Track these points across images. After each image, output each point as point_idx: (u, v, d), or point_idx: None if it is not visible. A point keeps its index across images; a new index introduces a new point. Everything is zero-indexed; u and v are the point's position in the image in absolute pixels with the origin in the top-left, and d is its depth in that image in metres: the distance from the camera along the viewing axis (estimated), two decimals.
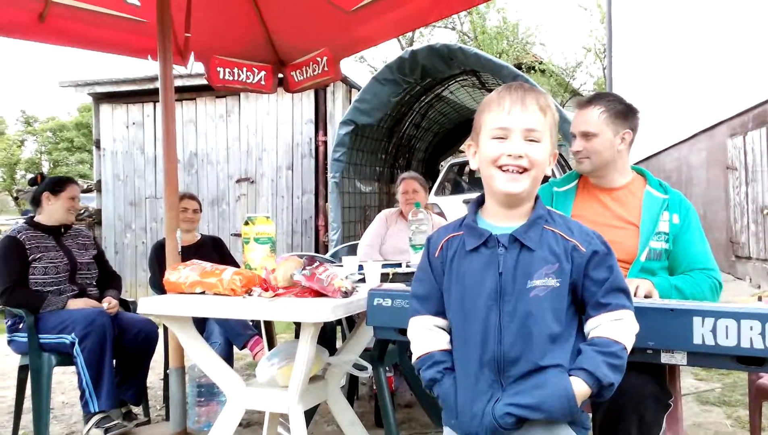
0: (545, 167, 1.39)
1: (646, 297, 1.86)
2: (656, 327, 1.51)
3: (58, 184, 3.28)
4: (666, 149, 10.19)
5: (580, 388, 1.29)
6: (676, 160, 9.62)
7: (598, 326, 1.34)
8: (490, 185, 1.40)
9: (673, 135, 9.60)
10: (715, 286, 2.03)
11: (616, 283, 1.36)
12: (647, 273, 2.04)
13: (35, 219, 3.26)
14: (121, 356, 3.22)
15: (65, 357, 3.01)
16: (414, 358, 1.47)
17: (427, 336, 1.45)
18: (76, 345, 2.94)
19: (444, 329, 1.46)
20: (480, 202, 1.48)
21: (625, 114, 2.16)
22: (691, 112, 8.72)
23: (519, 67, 15.81)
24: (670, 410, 1.69)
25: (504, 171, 1.36)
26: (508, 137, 1.37)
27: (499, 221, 1.41)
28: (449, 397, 1.39)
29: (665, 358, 1.52)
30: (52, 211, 3.25)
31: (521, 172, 1.36)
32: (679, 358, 1.51)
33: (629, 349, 1.33)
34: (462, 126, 9.63)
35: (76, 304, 3.12)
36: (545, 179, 1.58)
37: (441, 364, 1.41)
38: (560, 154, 10.07)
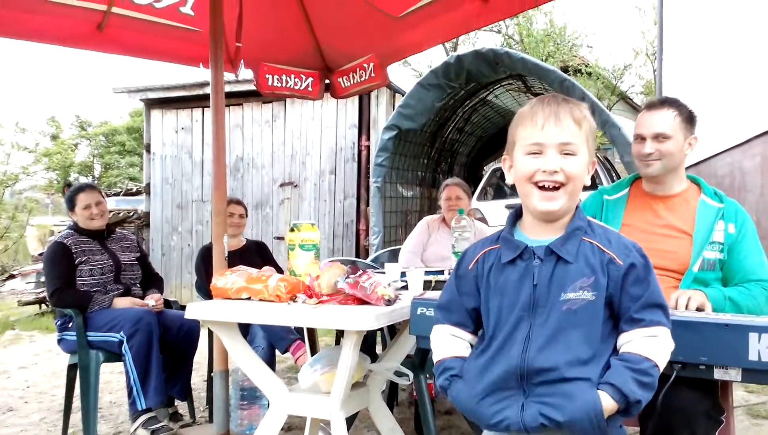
0: (583, 179, 1.37)
1: (698, 309, 1.80)
2: (709, 342, 1.46)
3: (69, 200, 3.36)
4: (718, 154, 9.87)
5: (607, 403, 1.26)
6: (729, 165, 9.31)
7: (630, 341, 1.31)
8: (527, 202, 1.40)
9: (726, 140, 9.29)
10: None
11: (652, 298, 1.32)
12: (700, 284, 1.98)
13: (80, 224, 3.36)
14: (167, 353, 3.28)
15: (113, 355, 3.09)
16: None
17: (443, 344, 1.49)
18: (125, 343, 3.02)
19: (462, 339, 1.48)
20: (518, 215, 1.47)
21: (691, 120, 2.14)
22: (744, 115, 8.43)
23: (566, 70, 15.57)
24: (722, 426, 1.64)
25: (540, 187, 1.35)
26: (542, 152, 1.35)
27: (536, 234, 1.40)
28: (460, 402, 1.40)
29: (718, 374, 1.47)
30: (80, 222, 3.35)
31: (557, 189, 1.34)
32: (733, 375, 1.46)
33: (661, 367, 1.29)
34: (506, 131, 9.45)
35: (122, 302, 3.21)
36: (594, 186, 1.54)
37: (449, 371, 1.44)
38: (607, 159, 9.87)
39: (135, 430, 3.00)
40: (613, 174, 8.80)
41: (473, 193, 7.95)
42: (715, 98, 9.75)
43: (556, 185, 1.34)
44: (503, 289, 1.38)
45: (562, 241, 1.35)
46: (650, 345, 1.30)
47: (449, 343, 1.48)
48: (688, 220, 2.07)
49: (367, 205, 7.14)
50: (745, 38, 8.59)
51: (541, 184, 1.35)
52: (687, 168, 2.22)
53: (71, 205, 3.35)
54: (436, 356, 1.50)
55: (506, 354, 1.33)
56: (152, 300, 3.30)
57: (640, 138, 2.14)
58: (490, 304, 1.41)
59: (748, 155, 8.47)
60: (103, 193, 3.52)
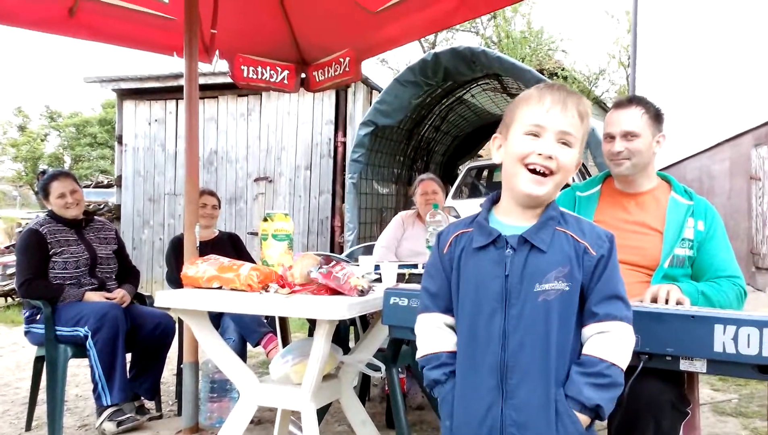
0: (571, 173, 1.36)
1: (678, 304, 1.82)
2: (676, 333, 1.48)
3: (43, 189, 3.28)
4: (687, 158, 10.07)
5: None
6: (698, 169, 9.51)
7: (587, 341, 1.32)
8: (512, 183, 1.36)
9: (695, 144, 9.48)
10: (741, 294, 2.00)
11: (607, 289, 1.32)
12: (669, 280, 2.01)
13: (56, 211, 3.28)
14: (138, 350, 3.24)
15: (81, 349, 3.02)
16: (419, 355, 1.46)
17: (435, 335, 1.44)
18: (89, 338, 2.96)
19: (452, 328, 1.44)
20: (494, 201, 1.45)
21: (659, 117, 2.15)
22: (714, 121, 8.62)
23: (541, 72, 15.73)
24: (688, 418, 1.66)
25: (530, 170, 1.33)
26: (541, 135, 1.33)
27: (511, 220, 1.39)
28: (448, 401, 1.38)
29: (684, 365, 1.49)
30: (55, 211, 3.26)
31: (547, 175, 1.33)
32: (698, 366, 1.48)
33: (620, 363, 1.29)
34: (482, 130, 9.59)
35: (92, 297, 3.14)
36: (567, 186, 1.54)
37: (447, 366, 1.40)
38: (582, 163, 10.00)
39: (101, 423, 2.95)
40: (587, 176, 8.91)
41: (448, 192, 7.99)
42: (686, 104, 9.94)
43: (547, 172, 1.33)
44: (474, 276, 1.36)
45: (536, 230, 1.34)
46: (603, 343, 1.30)
47: (441, 334, 1.42)
48: (659, 218, 2.10)
49: (343, 201, 7.13)
50: (716, 47, 8.77)
51: (532, 167, 1.33)
52: (658, 171, 2.25)
53: (45, 193, 3.27)
54: (427, 348, 1.43)
55: (486, 350, 1.31)
56: (118, 295, 3.22)
57: (610, 137, 2.16)
58: (459, 291, 1.39)
59: (717, 159, 8.65)
60: (78, 181, 3.42)
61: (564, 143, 1.33)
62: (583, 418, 1.28)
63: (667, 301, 1.82)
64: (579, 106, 1.35)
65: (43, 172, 3.45)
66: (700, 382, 1.86)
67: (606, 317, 1.30)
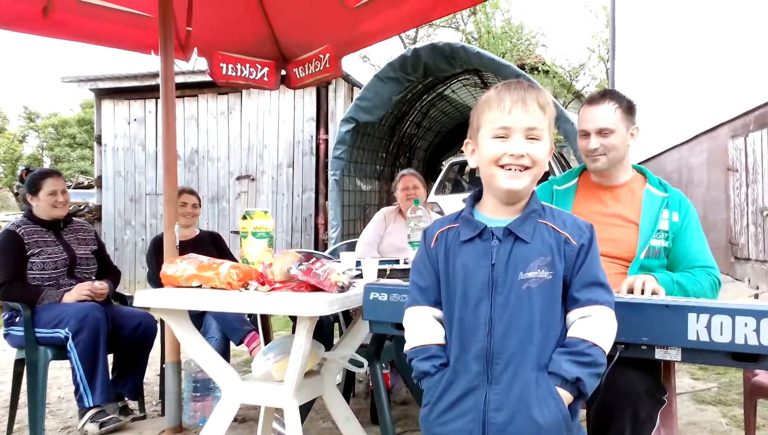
0: (545, 164, 1.40)
1: (653, 294, 1.85)
2: (650, 323, 1.50)
3: (33, 184, 3.22)
4: (666, 151, 10.20)
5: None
6: (677, 161, 9.63)
7: (571, 325, 1.36)
8: (491, 183, 1.41)
9: (674, 136, 9.60)
10: (715, 284, 2.03)
11: (588, 277, 1.37)
12: (646, 271, 2.03)
13: (34, 212, 3.24)
14: (120, 350, 3.21)
15: (61, 351, 3.00)
16: (407, 347, 1.47)
17: (424, 327, 1.46)
18: (70, 340, 2.94)
19: (441, 321, 1.46)
20: (477, 197, 1.50)
21: (631, 109, 2.17)
22: (692, 113, 8.72)
23: (522, 67, 15.79)
24: (664, 406, 1.69)
25: (506, 169, 1.37)
26: (509, 136, 1.37)
27: (495, 215, 1.43)
28: (433, 390, 1.40)
29: (659, 354, 1.51)
30: (39, 209, 3.22)
31: (522, 170, 1.37)
32: (673, 354, 1.50)
33: (603, 345, 1.33)
34: (464, 125, 9.54)
35: (69, 296, 3.10)
36: (545, 176, 1.57)
37: (437, 358, 1.42)
38: (562, 156, 10.07)
39: (83, 424, 2.93)
40: (567, 169, 8.98)
41: (431, 187, 8.02)
42: (664, 96, 10.05)
43: (522, 168, 1.37)
44: (462, 268, 1.40)
45: (520, 222, 1.38)
46: (585, 326, 1.34)
47: (431, 327, 1.44)
48: (635, 210, 2.13)
49: (326, 199, 7.12)
50: (694, 38, 8.87)
51: (507, 167, 1.37)
52: (638, 164, 2.28)
53: (35, 189, 3.20)
54: (417, 340, 1.45)
55: (473, 338, 1.35)
56: (96, 283, 3.18)
57: (585, 133, 2.17)
58: (446, 283, 1.42)
59: (695, 151, 8.77)
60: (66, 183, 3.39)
61: (532, 138, 1.37)
62: (566, 395, 1.31)
63: (642, 292, 1.85)
64: (539, 98, 1.38)
65: (28, 170, 3.39)
66: (680, 371, 1.89)
67: (587, 302, 1.35)
